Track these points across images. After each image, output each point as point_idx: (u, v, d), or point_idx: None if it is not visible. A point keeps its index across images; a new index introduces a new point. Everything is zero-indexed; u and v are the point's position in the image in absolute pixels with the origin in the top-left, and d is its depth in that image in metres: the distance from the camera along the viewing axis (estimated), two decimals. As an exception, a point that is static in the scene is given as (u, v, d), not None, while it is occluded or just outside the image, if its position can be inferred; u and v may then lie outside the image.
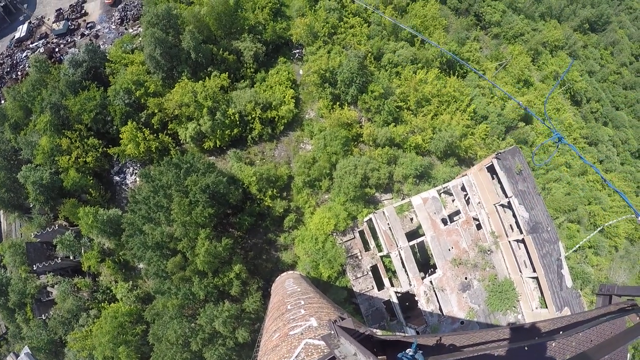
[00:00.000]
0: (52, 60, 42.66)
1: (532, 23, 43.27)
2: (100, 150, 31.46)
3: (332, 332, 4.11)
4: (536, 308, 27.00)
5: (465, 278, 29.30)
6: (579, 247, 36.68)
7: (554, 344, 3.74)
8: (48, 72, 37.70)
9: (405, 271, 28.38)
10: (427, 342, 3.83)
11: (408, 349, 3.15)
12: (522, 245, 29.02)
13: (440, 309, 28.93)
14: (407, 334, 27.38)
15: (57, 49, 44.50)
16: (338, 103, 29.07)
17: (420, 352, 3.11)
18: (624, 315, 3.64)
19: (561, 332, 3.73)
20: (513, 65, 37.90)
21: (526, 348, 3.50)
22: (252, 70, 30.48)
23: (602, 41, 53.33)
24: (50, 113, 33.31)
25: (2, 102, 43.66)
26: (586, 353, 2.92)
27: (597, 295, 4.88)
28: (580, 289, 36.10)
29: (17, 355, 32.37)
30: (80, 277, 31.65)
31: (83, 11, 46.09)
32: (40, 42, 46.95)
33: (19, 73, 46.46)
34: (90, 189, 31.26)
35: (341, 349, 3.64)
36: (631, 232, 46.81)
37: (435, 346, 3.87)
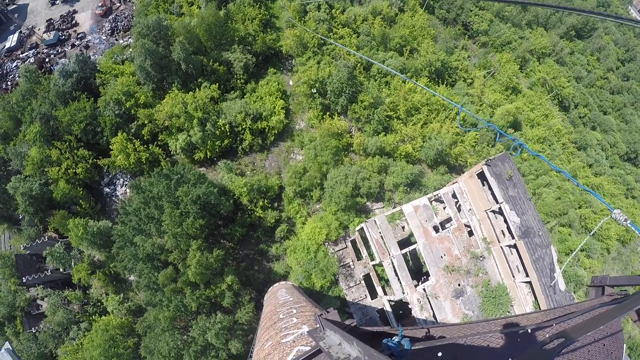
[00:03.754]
0: (43, 70, 42.44)
1: (519, 31, 44.09)
2: (90, 161, 31.27)
3: (318, 325, 4.15)
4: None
5: (459, 285, 29.50)
6: (575, 253, 37.11)
7: (547, 335, 3.79)
8: (38, 83, 37.48)
9: (398, 279, 28.49)
10: (415, 334, 3.88)
11: (394, 337, 3.15)
12: (514, 250, 29.35)
13: (434, 316, 29.04)
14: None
15: (47, 59, 44.31)
16: (328, 113, 29.31)
17: (407, 338, 3.09)
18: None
19: (554, 325, 3.81)
20: (501, 73, 38.53)
21: (519, 340, 3.55)
22: (242, 81, 30.63)
23: (588, 47, 54.46)
24: (40, 123, 33.09)
25: (-8, 112, 43.16)
26: (565, 331, 2.99)
27: (589, 287, 4.98)
28: (574, 292, 36.50)
29: None
30: (70, 289, 31.29)
31: (74, 22, 45.99)
32: (31, 52, 46.71)
33: (8, 83, 46.10)
34: (80, 201, 31.03)
35: (326, 340, 3.65)
36: (622, 234, 47.46)
37: (424, 338, 3.93)
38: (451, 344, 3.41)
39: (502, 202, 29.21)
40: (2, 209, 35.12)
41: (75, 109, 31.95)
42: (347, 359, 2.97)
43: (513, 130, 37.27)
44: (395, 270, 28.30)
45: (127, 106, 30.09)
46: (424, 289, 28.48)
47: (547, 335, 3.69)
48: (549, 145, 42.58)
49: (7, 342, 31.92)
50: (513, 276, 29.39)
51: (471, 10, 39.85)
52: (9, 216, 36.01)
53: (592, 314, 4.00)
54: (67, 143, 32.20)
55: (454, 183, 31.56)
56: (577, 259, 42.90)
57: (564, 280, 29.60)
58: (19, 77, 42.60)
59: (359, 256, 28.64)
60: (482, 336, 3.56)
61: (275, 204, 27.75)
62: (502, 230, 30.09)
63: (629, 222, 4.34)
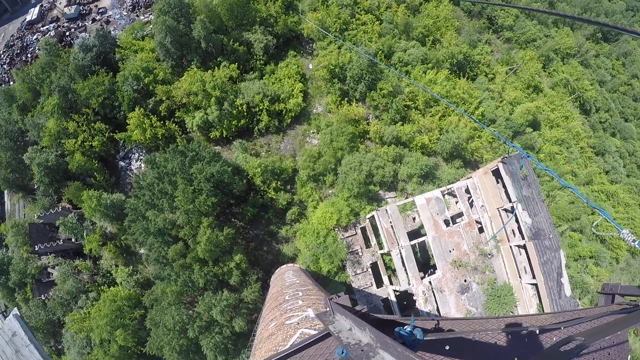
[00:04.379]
0: (63, 44, 42.80)
1: (545, 29, 42.92)
2: (106, 135, 31.54)
3: (328, 309, 4.05)
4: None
5: (465, 280, 29.27)
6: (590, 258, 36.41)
7: (554, 338, 3.71)
8: (58, 56, 37.80)
9: (405, 270, 28.35)
10: (424, 325, 3.79)
11: (406, 326, 3.08)
12: (523, 251, 28.96)
13: (438, 310, 28.90)
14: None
15: (67, 33, 44.66)
16: (346, 99, 29.01)
17: (419, 328, 3.04)
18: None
19: (562, 328, 3.70)
20: (524, 71, 37.63)
21: (526, 340, 3.46)
22: (261, 62, 30.43)
23: (614, 51, 52.86)
24: (58, 96, 33.39)
25: (11, 83, 43.91)
26: (582, 333, 2.87)
27: (600, 294, 4.84)
28: (579, 299, 36.00)
29: (5, 316, 32.66)
30: (81, 259, 31.83)
31: (95, -4, 46.16)
32: (51, 25, 47.13)
33: (28, 55, 46.68)
34: (95, 173, 31.39)
35: (335, 324, 3.56)
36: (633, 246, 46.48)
37: (433, 330, 3.82)
38: (459, 337, 3.34)
39: (515, 201, 28.78)
40: (18, 179, 35.73)
41: (93, 82, 32.16)
42: (357, 344, 2.86)
43: (532, 130, 36.52)
44: (402, 261, 28.16)
45: (146, 82, 30.17)
46: (429, 282, 28.33)
47: (554, 339, 3.64)
48: (567, 148, 41.67)
49: (15, 308, 32.72)
50: (520, 277, 29.07)
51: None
52: (25, 186, 36.66)
53: (600, 321, 3.91)
54: (85, 116, 32.51)
55: (468, 178, 31.13)
56: (585, 265, 42.27)
57: (570, 286, 29.20)
58: (39, 49, 43.04)
59: (367, 244, 28.52)
60: (490, 333, 3.48)
61: (288, 187, 27.68)
62: (512, 230, 29.70)
63: (637, 242, 4.15)
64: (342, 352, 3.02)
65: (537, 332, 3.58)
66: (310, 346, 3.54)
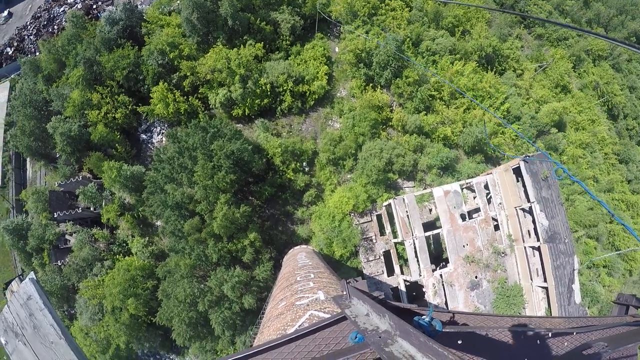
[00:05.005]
0: (89, 16, 43.22)
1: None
2: (129, 107, 31.87)
3: (344, 292, 3.96)
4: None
5: (476, 277, 28.98)
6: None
7: (565, 343, 3.58)
8: (84, 28, 38.18)
9: (417, 261, 28.19)
10: (440, 317, 3.67)
11: (423, 316, 2.96)
12: (537, 253, 28.49)
13: (446, 304, 28.75)
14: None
15: (94, 6, 45.08)
16: (371, 84, 28.61)
17: (438, 319, 2.95)
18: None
19: (575, 334, 3.61)
20: (553, 69, 36.49)
21: (538, 342, 3.35)
22: (287, 42, 30.18)
23: (648, 57, 50.67)
24: (83, 68, 33.79)
25: (37, 54, 44.63)
26: (606, 339, 2.80)
27: (614, 304, 4.67)
28: (588, 307, 35.29)
29: (21, 280, 33.61)
30: (98, 228, 32.49)
31: (123, -29, 46.25)
32: (79, -2, 47.56)
33: (55, 27, 47.34)
34: (116, 144, 31.84)
35: (352, 309, 3.48)
36: (649, 259, 45.22)
37: (448, 322, 3.73)
38: (472, 333, 3.27)
39: (533, 202, 28.26)
40: (40, 147, 36.52)
41: (119, 55, 32.42)
42: (375, 331, 2.75)
43: (557, 130, 35.52)
44: (416, 252, 27.98)
45: (171, 57, 30.27)
46: (440, 275, 28.15)
47: (565, 344, 3.52)
48: (591, 153, 40.47)
49: (32, 272, 33.62)
50: (531, 279, 28.69)
51: (530, -1, 37.67)
52: (47, 154, 37.50)
53: (612, 331, 3.75)
54: (109, 88, 32.89)
55: (488, 174, 30.60)
56: (597, 274, 41.32)
57: (581, 294, 28.66)
58: (66, 21, 43.62)
59: (382, 232, 28.36)
60: (503, 331, 3.34)
61: (307, 169, 27.62)
62: (528, 230, 29.22)
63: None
64: (356, 337, 2.95)
65: (550, 335, 3.49)
66: (324, 329, 3.46)
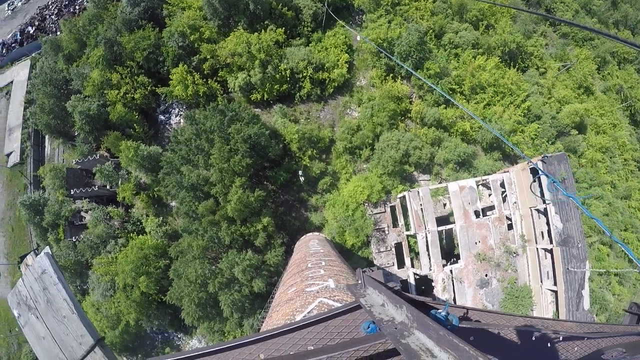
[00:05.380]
0: (111, -3, 43.40)
1: (605, 29, 40.29)
2: (149, 88, 32.11)
3: (360, 281, 3.89)
4: (548, 322, 26.62)
5: (486, 275, 28.81)
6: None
7: (575, 348, 3.49)
8: (105, 9, 38.43)
9: (428, 255, 28.10)
10: (454, 312, 3.62)
11: (439, 310, 2.91)
12: (549, 255, 28.18)
13: (454, 300, 28.65)
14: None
15: (116, -12, 45.22)
16: (391, 75, 28.33)
17: (454, 314, 2.88)
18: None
19: (586, 339, 3.52)
20: (577, 69, 35.63)
21: (548, 344, 3.29)
22: (309, 29, 29.97)
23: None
24: (104, 48, 34.06)
25: (59, 33, 45.14)
26: (625, 345, 2.68)
27: (626, 312, 4.58)
28: (596, 315, 34.79)
29: (36, 254, 34.30)
30: (113, 206, 32.99)
31: (146, -47, 46.26)
32: (101, -21, 47.74)
33: (76, 7, 47.81)
34: (134, 124, 32.17)
35: (367, 298, 3.41)
36: (662, 270, 44.36)
37: (462, 318, 3.65)
38: (484, 330, 3.20)
39: (549, 203, 27.86)
40: (59, 125, 37.08)
41: (140, 36, 32.58)
42: (390, 322, 2.68)
43: (577, 132, 34.77)
44: (427, 245, 27.88)
45: (191, 39, 30.34)
46: (450, 271, 28.03)
47: (575, 348, 3.44)
48: (610, 158, 39.59)
49: (47, 247, 34.36)
50: (541, 281, 28.41)
51: (557, -4, 36.69)
52: (65, 132, 38.10)
53: (623, 339, 3.66)
54: (129, 69, 33.15)
55: (505, 172, 30.24)
56: (608, 282, 40.69)
57: (590, 300, 28.30)
58: (87, 2, 43.87)
59: (395, 223, 28.27)
60: (514, 330, 3.27)
61: (323, 156, 27.57)
62: (541, 232, 28.88)
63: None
64: (368, 327, 2.89)
65: (561, 338, 3.41)
66: (336, 317, 3.41)
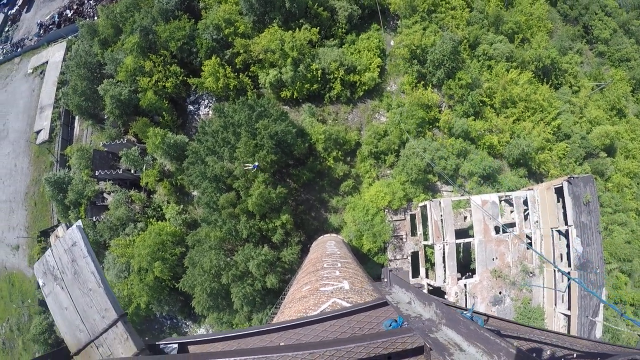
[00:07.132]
0: (149, -13, 44.40)
1: (642, 51, 39.14)
2: (180, 78, 32.73)
3: (385, 279, 3.99)
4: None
5: (500, 292, 28.32)
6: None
7: None
8: (143, -3, 39.20)
9: (444, 267, 27.78)
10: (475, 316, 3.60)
11: (464, 312, 2.93)
12: (565, 278, 27.51)
13: (466, 315, 28.19)
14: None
15: (154, -22, 46.22)
16: (422, 82, 28.16)
17: (480, 317, 2.91)
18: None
19: (598, 359, 3.46)
20: (611, 90, 34.70)
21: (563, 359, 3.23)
22: (343, 30, 30.09)
23: None
24: (139, 35, 34.82)
25: (96, 18, 46.45)
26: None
27: None
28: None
29: (68, 227, 35.12)
30: (136, 190, 33.69)
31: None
32: (140, -31, 48.89)
33: (114, -5, 49.11)
34: (163, 112, 32.82)
35: (393, 296, 3.50)
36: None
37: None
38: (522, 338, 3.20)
39: (571, 225, 27.23)
40: (90, 107, 38.13)
41: (175, 27, 33.24)
42: (418, 318, 2.72)
43: (606, 155, 33.85)
44: (444, 257, 27.57)
45: (226, 33, 30.81)
46: (465, 285, 27.64)
47: None
48: (638, 184, 38.39)
49: (79, 220, 35.40)
50: (555, 304, 27.77)
51: (596, 14, 35.77)
52: (95, 115, 39.18)
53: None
54: (162, 57, 33.84)
55: (529, 189, 29.67)
56: (623, 311, 39.46)
57: (602, 329, 27.49)
58: (126, -10, 44.88)
59: (413, 232, 28.06)
60: (531, 343, 3.22)
61: (348, 159, 27.62)
62: (560, 254, 28.23)
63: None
64: (390, 325, 2.93)
65: (575, 355, 3.40)
66: (360, 312, 3.47)
